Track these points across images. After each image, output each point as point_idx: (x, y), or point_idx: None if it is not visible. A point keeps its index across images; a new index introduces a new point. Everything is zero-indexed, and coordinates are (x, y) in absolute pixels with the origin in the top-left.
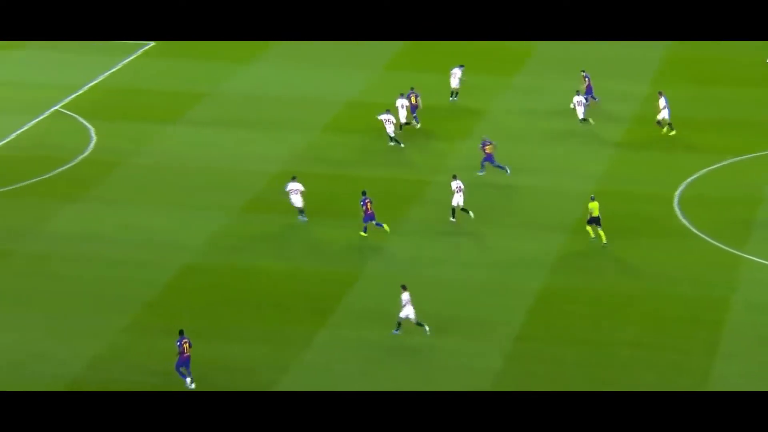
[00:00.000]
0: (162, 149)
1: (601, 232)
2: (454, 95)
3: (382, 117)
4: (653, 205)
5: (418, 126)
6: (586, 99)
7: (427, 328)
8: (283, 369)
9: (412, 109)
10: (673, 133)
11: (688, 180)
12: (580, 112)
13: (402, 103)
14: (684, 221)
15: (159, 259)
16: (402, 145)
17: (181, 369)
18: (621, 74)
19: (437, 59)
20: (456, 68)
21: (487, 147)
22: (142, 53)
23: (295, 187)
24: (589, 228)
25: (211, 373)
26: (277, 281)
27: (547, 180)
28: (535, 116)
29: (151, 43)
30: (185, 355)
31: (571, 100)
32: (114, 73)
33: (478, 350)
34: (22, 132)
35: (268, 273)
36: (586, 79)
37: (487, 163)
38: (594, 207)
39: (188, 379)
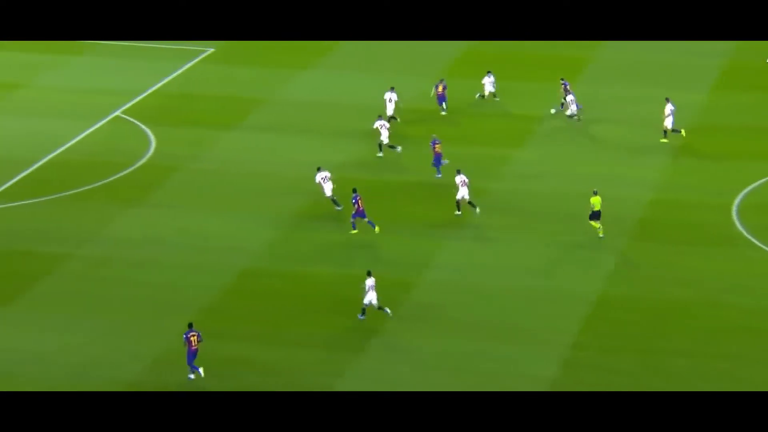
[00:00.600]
0: (220, 155)
1: (599, 225)
2: (442, 109)
3: (377, 124)
4: (711, 214)
5: (444, 113)
6: (573, 105)
7: (389, 311)
8: (338, 374)
9: (440, 98)
10: (664, 140)
11: (748, 188)
12: (572, 110)
13: (390, 97)
14: (742, 230)
15: (216, 263)
16: (399, 150)
17: (194, 363)
18: (678, 83)
19: (497, 65)
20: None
21: (436, 146)
22: (202, 59)
23: (323, 175)
24: (592, 223)
25: (266, 376)
26: (332, 287)
27: (602, 188)
28: (587, 123)
29: (211, 50)
30: (192, 348)
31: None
32: (174, 78)
33: (533, 358)
34: (83, 137)
35: (324, 278)
36: (564, 86)
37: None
38: (596, 201)
39: (191, 375)
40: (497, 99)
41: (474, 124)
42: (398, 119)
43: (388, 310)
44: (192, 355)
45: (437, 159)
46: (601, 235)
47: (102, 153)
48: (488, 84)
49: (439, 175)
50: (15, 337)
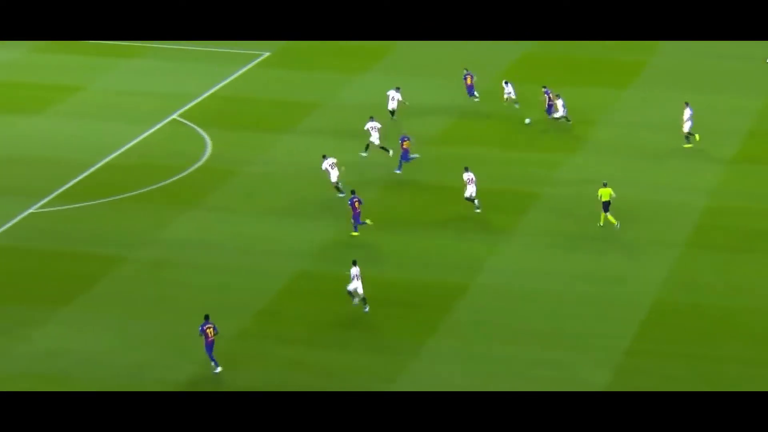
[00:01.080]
0: (275, 158)
1: (611, 217)
2: (475, 98)
3: (369, 126)
4: (766, 221)
5: (477, 100)
6: (562, 109)
7: (367, 309)
8: (390, 378)
9: (469, 89)
10: (689, 146)
11: None
12: (560, 113)
13: (393, 96)
14: None
15: (270, 266)
16: (390, 153)
17: (213, 354)
18: (734, 89)
19: (554, 71)
20: (391, 90)
21: (404, 143)
22: (258, 63)
23: (330, 162)
24: (602, 215)
25: (320, 378)
26: (386, 290)
27: (657, 194)
28: (641, 128)
29: (267, 53)
30: (209, 339)
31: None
32: (230, 82)
33: (587, 363)
34: (140, 140)
35: (378, 282)
36: (547, 95)
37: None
38: (604, 193)
39: (218, 369)
40: (517, 106)
41: (525, 129)
42: (474, 98)
43: (367, 309)
44: (209, 347)
45: (404, 155)
46: (611, 224)
47: (159, 156)
48: (509, 92)
49: (399, 171)
50: (72, 338)
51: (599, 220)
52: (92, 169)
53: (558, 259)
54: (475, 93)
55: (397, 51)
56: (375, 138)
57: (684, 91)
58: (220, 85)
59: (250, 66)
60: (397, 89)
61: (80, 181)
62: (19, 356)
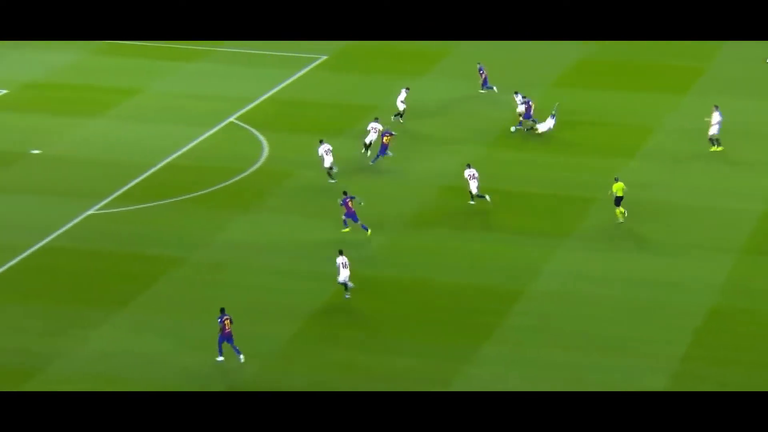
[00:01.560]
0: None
1: (619, 211)
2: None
3: (370, 126)
4: None
5: (497, 90)
6: (531, 119)
7: (348, 295)
8: (445, 382)
9: (485, 82)
10: (720, 149)
11: None
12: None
13: (402, 97)
14: None
15: (324, 269)
16: (390, 155)
17: (222, 344)
18: None
19: (609, 75)
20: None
21: (385, 137)
22: (315, 66)
23: (325, 148)
24: (617, 210)
25: (373, 381)
26: (441, 295)
27: (714, 200)
28: (699, 134)
29: (324, 57)
30: (226, 331)
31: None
32: (287, 85)
33: (643, 370)
34: (198, 143)
35: (432, 287)
36: (527, 104)
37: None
38: (617, 188)
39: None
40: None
41: (584, 134)
42: (492, 89)
43: (348, 295)
44: (226, 338)
45: (383, 149)
46: (621, 220)
47: (216, 158)
48: (520, 105)
49: (372, 163)
50: (128, 339)
51: (617, 218)
52: (151, 171)
53: (613, 264)
54: (495, 89)
55: (454, 54)
56: (370, 139)
57: (739, 98)
58: (278, 88)
59: (307, 69)
60: (406, 89)
61: (139, 183)
62: (76, 357)
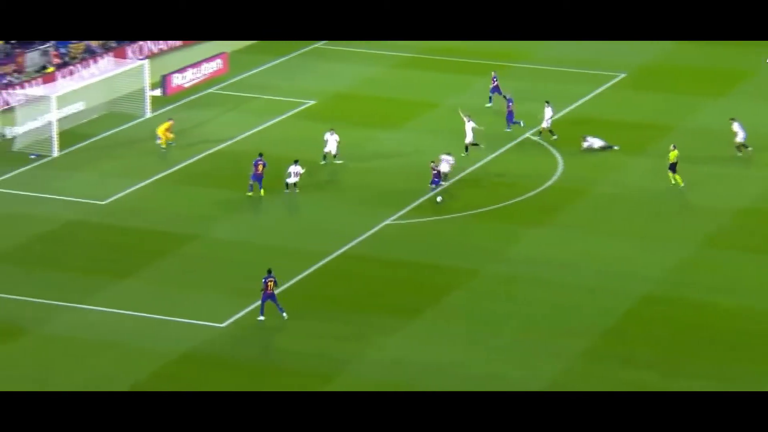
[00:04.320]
0: (625, 179)
1: (678, 177)
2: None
3: (465, 120)
4: None
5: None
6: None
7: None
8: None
9: (492, 90)
10: (750, 149)
11: None
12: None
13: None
14: None
15: (618, 287)
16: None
17: (265, 304)
18: None
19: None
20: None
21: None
22: (613, 84)
23: (295, 170)
24: (670, 174)
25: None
26: (729, 318)
27: (755, 203)
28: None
29: (623, 75)
30: (268, 291)
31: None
32: (586, 101)
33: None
34: (495, 157)
35: (722, 309)
36: (509, 104)
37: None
38: (672, 155)
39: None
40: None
41: (627, 136)
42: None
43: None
44: (269, 296)
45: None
46: (681, 184)
47: (512, 173)
48: (548, 116)
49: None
50: (418, 348)
51: (676, 182)
52: (447, 184)
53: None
54: (498, 91)
55: (759, 76)
56: (469, 137)
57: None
58: (575, 105)
59: (605, 87)
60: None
61: (437, 193)
62: (369, 362)
